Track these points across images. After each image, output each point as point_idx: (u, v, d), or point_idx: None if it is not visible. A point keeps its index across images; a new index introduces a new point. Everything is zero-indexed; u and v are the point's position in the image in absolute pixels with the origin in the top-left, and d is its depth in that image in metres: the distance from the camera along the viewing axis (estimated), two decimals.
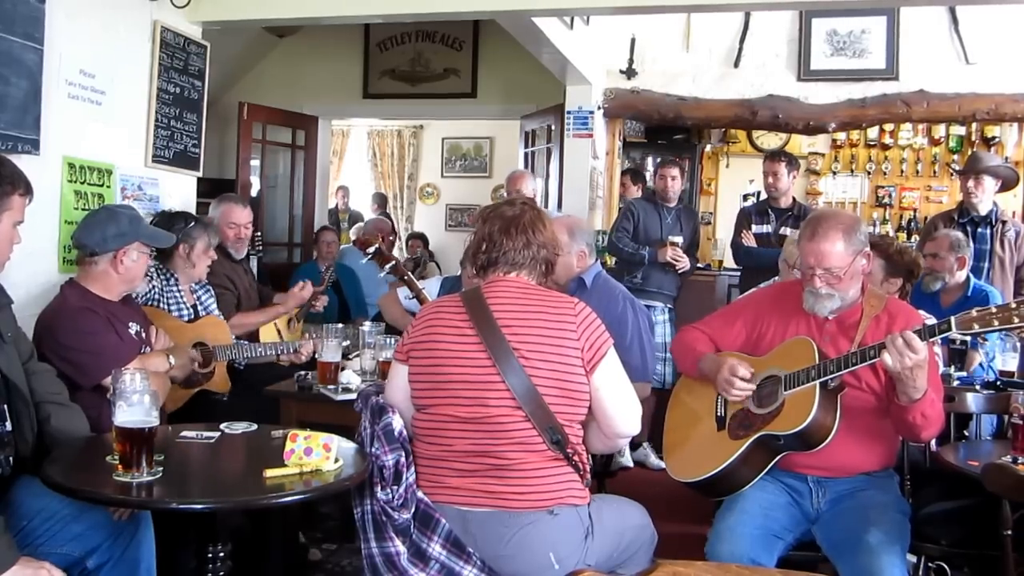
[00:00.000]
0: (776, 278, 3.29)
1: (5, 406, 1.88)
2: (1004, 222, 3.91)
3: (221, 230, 3.46)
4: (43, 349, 2.28)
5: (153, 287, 2.95)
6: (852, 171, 6.99)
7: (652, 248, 4.34)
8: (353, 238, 6.36)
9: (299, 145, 6.10)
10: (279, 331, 3.60)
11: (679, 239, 4.37)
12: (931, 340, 1.91)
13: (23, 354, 2.00)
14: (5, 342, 1.92)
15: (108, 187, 3.09)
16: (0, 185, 1.89)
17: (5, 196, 1.91)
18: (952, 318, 1.90)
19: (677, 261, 4.33)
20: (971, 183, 3.86)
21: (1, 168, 1.92)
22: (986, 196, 3.84)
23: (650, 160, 6.18)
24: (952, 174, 6.40)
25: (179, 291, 3.04)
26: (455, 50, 5.93)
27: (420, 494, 1.82)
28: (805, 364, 2.06)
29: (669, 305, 4.39)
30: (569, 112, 5.21)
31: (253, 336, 3.41)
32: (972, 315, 1.88)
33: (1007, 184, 4.00)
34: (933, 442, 2.38)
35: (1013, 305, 1.84)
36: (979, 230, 3.84)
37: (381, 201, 8.62)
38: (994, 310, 1.86)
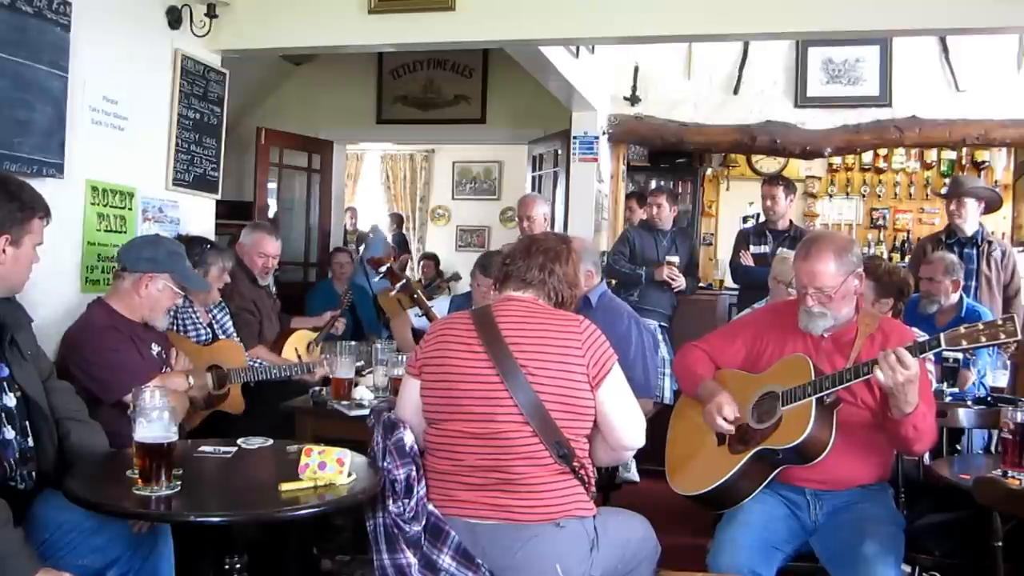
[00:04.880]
0: (769, 296, 3.37)
1: (27, 423, 1.91)
2: (990, 242, 3.96)
3: (251, 258, 3.59)
4: (68, 364, 2.33)
5: (171, 311, 3.02)
6: (847, 194, 7.10)
7: (649, 269, 4.43)
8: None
9: (315, 169, 6.18)
10: (298, 352, 3.65)
11: (676, 259, 4.46)
12: (922, 356, 1.95)
13: (43, 372, 2.03)
14: (26, 360, 1.95)
15: (130, 209, 3.12)
16: (22, 210, 1.94)
17: (27, 221, 1.94)
18: (941, 335, 1.95)
19: (673, 280, 4.42)
20: (953, 205, 3.92)
21: (22, 193, 1.95)
22: (970, 217, 3.89)
23: (653, 183, 6.28)
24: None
25: (195, 313, 3.12)
26: (465, 77, 6.02)
27: (431, 507, 1.86)
28: (801, 380, 2.10)
29: (663, 323, 4.44)
30: (575, 137, 5.30)
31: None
32: (960, 332, 1.93)
33: (991, 206, 4.03)
34: (927, 456, 2.41)
35: (999, 322, 1.89)
36: (966, 250, 3.88)
37: (397, 221, 8.75)
38: (981, 327, 1.91)
